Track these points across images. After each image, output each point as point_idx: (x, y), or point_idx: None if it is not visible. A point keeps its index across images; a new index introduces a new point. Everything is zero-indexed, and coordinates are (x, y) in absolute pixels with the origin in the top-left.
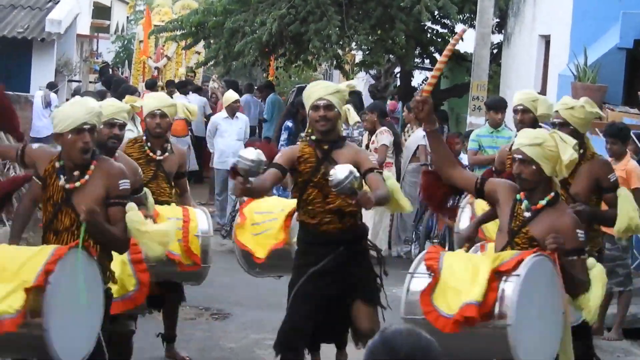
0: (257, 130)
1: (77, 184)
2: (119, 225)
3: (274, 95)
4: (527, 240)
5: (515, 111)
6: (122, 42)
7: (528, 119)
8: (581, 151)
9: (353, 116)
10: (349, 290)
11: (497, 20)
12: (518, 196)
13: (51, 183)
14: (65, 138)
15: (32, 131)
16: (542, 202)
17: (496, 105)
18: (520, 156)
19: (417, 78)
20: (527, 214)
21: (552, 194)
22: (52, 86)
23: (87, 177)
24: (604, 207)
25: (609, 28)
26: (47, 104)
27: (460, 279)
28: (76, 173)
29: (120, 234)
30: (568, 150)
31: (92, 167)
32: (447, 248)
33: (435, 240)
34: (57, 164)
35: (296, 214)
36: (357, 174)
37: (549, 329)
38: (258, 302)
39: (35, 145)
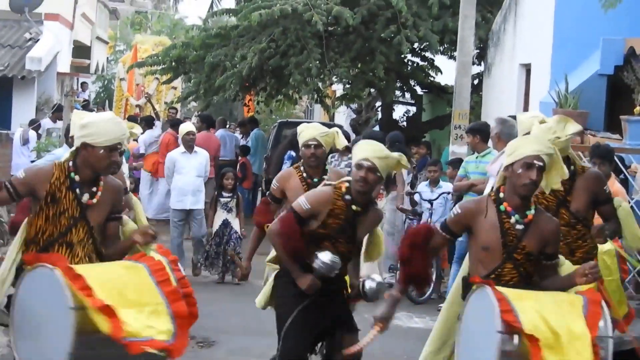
0: (236, 164)
1: (94, 200)
2: (116, 238)
3: (257, 130)
4: (525, 256)
5: None
6: (102, 82)
7: None
8: (571, 167)
9: (341, 140)
10: (336, 322)
11: (477, 51)
12: (502, 207)
13: (62, 197)
14: (96, 152)
15: (12, 169)
16: (531, 212)
17: (473, 129)
18: (541, 164)
19: (399, 111)
20: (519, 227)
21: (533, 201)
22: (33, 122)
23: (100, 193)
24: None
25: (590, 55)
26: (25, 141)
27: (555, 340)
28: (94, 189)
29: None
30: (564, 168)
31: (101, 183)
32: (434, 275)
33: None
34: (71, 177)
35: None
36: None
37: None
38: (243, 330)
39: (19, 173)
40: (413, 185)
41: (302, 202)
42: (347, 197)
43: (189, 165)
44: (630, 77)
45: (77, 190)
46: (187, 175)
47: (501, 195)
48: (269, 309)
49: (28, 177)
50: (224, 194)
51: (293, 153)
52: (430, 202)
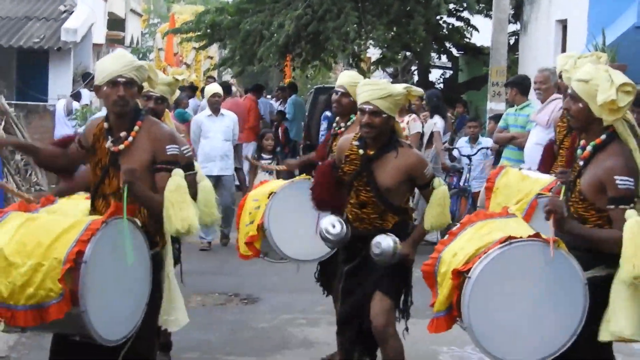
0: (275, 130)
1: (121, 146)
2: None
3: (295, 96)
4: (577, 195)
5: (561, 77)
6: (137, 55)
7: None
8: None
9: None
10: (373, 283)
11: (513, 10)
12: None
13: (99, 147)
14: (102, 91)
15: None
16: (589, 149)
17: (512, 82)
18: (569, 91)
19: (435, 74)
20: (580, 163)
21: (603, 136)
22: (77, 96)
23: (130, 138)
24: None
25: (626, 8)
26: (69, 112)
27: (449, 266)
28: (123, 134)
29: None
30: (608, 91)
31: (136, 127)
32: None
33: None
34: (105, 126)
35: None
36: (399, 244)
37: (547, 316)
38: (286, 287)
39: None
40: (451, 144)
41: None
42: (355, 142)
43: (215, 128)
44: None
45: (109, 137)
46: (214, 139)
47: None
48: (310, 266)
49: (86, 129)
50: (264, 155)
51: (328, 113)
52: (469, 157)
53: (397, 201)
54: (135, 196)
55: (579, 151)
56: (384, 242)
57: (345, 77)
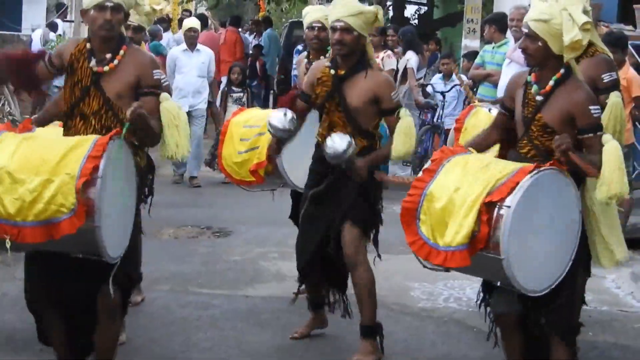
0: (252, 63)
1: (106, 68)
2: (154, 116)
3: (270, 30)
4: (541, 128)
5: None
6: None
7: None
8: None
9: None
10: (342, 212)
11: None
12: (529, 78)
13: (79, 67)
14: (89, 15)
15: None
16: (551, 83)
17: (490, 19)
18: (526, 30)
19: (410, 10)
20: (538, 98)
21: (562, 71)
22: (52, 26)
23: (116, 61)
24: None
25: None
26: (46, 42)
27: (450, 201)
28: (108, 56)
29: (157, 128)
30: (572, 30)
31: (121, 52)
32: None
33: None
34: (87, 46)
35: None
36: (354, 146)
37: (557, 243)
38: (259, 220)
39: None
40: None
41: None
42: (327, 64)
43: (191, 64)
44: None
45: (92, 58)
46: (188, 74)
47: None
48: (284, 199)
49: (60, 48)
50: (234, 89)
51: (300, 47)
52: (443, 94)
53: (365, 124)
54: (139, 130)
55: (535, 87)
56: (339, 140)
57: (318, 12)
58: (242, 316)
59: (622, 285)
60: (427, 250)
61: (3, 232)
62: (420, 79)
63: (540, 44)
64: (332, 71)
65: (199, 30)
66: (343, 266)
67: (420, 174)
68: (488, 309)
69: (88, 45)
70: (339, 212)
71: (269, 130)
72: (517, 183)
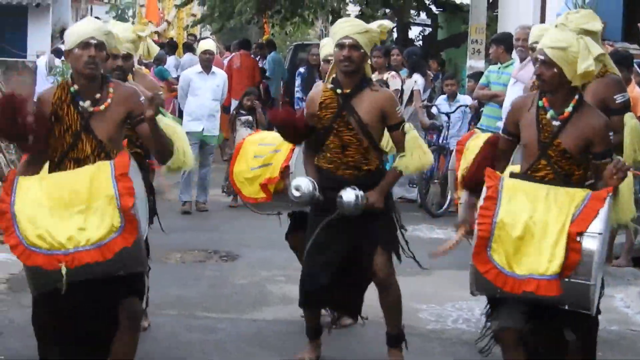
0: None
1: (102, 107)
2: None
3: (275, 53)
4: (559, 153)
5: (532, 49)
6: (115, 11)
7: None
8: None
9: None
10: (366, 238)
11: None
12: (540, 103)
13: (65, 114)
14: (73, 53)
15: (35, 97)
16: (568, 110)
17: (497, 39)
18: (542, 57)
19: (414, 31)
20: (555, 123)
21: (576, 97)
22: (58, 52)
23: (109, 100)
24: None
25: None
26: (51, 68)
27: (527, 229)
28: (98, 96)
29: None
30: (587, 60)
31: (110, 89)
32: (448, 189)
33: (436, 181)
34: (71, 91)
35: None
36: (363, 196)
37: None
38: (265, 243)
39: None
40: (430, 101)
41: (305, 112)
42: (330, 85)
43: (205, 86)
44: None
45: (79, 103)
46: (203, 97)
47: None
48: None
49: (37, 103)
50: (242, 112)
51: (302, 69)
52: (448, 115)
53: (377, 139)
54: (155, 132)
55: (551, 112)
56: (345, 194)
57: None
58: (248, 340)
59: (631, 304)
60: (503, 278)
61: (57, 261)
62: (424, 100)
63: (555, 70)
64: (339, 90)
65: (214, 53)
66: (355, 290)
67: (482, 202)
68: (488, 324)
69: (72, 88)
70: (365, 238)
71: (291, 195)
72: (598, 211)
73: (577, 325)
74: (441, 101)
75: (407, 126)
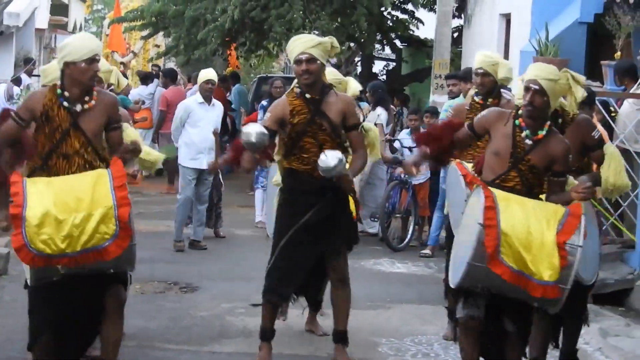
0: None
1: (86, 106)
2: (120, 146)
3: (239, 85)
4: (528, 168)
5: (476, 74)
6: None
7: (488, 82)
8: (559, 120)
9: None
10: (333, 237)
11: (457, 3)
12: (517, 122)
13: (55, 114)
14: (78, 66)
15: None
16: (542, 133)
17: (466, 76)
18: (536, 87)
19: (378, 65)
20: (528, 142)
21: (548, 123)
22: (17, 81)
23: (93, 101)
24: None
25: (569, 3)
26: (10, 97)
27: (527, 238)
28: (86, 98)
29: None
30: (580, 90)
31: (94, 92)
32: (412, 222)
33: (398, 215)
34: (60, 94)
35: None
36: (344, 160)
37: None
38: (226, 275)
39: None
40: (393, 135)
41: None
42: (298, 90)
43: (207, 117)
44: (612, 22)
45: (68, 104)
46: (205, 129)
47: (520, 112)
48: (251, 256)
49: (28, 101)
50: None
51: (265, 102)
52: (411, 149)
53: (344, 138)
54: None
55: (526, 132)
56: (330, 153)
57: (330, 76)
58: None
59: (590, 341)
60: (525, 280)
61: (56, 263)
62: (386, 134)
63: (545, 99)
64: (308, 95)
65: (216, 83)
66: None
67: (482, 212)
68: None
69: (64, 94)
70: (335, 235)
71: (244, 141)
72: (577, 226)
73: (517, 317)
74: (404, 135)
75: (367, 125)
